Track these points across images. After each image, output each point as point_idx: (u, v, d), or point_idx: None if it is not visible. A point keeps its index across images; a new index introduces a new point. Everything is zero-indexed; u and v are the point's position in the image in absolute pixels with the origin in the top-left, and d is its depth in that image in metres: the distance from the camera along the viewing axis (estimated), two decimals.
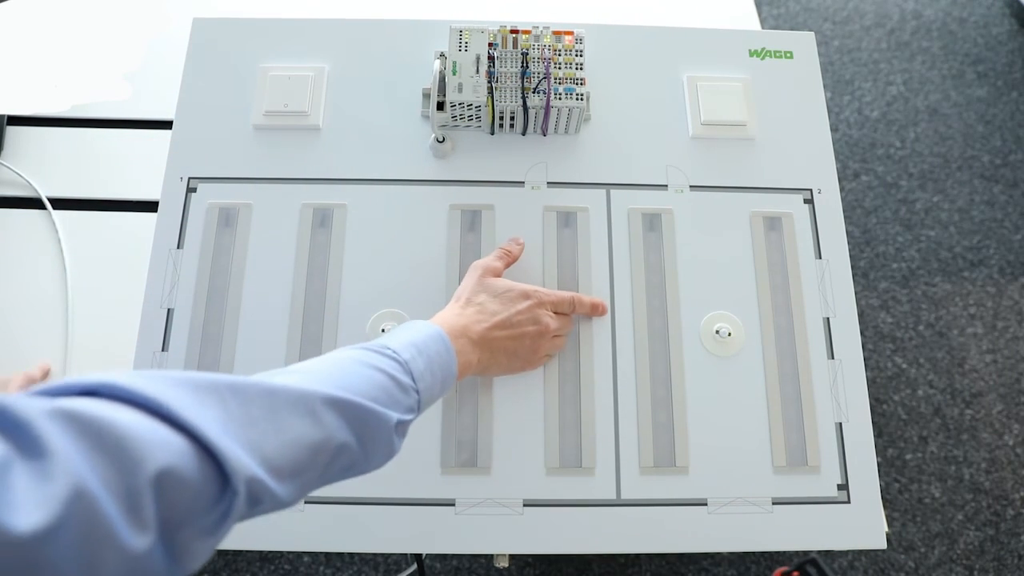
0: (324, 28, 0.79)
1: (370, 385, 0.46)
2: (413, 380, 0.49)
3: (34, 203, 0.89)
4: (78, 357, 0.76)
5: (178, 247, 0.69)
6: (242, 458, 0.34)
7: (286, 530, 0.62)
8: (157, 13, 1.07)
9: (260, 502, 0.36)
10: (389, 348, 0.50)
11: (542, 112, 0.70)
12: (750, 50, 0.79)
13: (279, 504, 0.38)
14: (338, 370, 0.45)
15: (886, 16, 2.09)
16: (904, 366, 1.59)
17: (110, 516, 0.28)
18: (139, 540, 0.29)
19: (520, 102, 0.69)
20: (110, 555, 0.28)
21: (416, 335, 0.53)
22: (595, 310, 0.67)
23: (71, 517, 0.27)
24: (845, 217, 0.74)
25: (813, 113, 0.77)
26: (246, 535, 0.62)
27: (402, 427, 0.47)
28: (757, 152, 0.75)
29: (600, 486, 0.64)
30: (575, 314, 0.67)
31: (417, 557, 0.91)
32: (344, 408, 0.42)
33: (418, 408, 0.50)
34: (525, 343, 0.61)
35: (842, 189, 1.77)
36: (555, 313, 0.64)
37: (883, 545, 0.63)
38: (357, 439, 0.43)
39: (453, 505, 0.63)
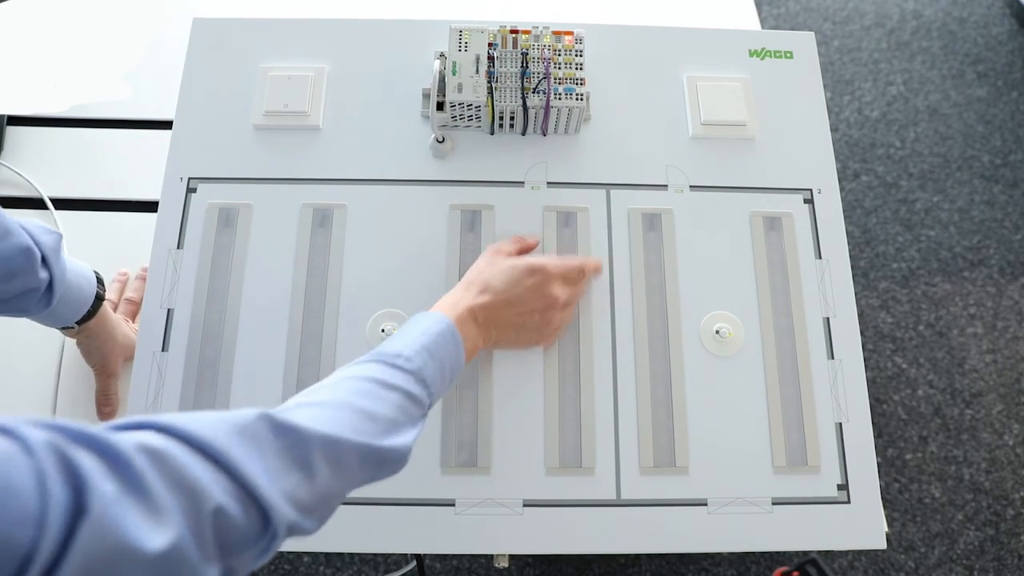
0: (324, 28, 0.79)
1: (389, 409, 0.49)
2: (427, 386, 0.52)
3: (35, 203, 0.89)
4: (78, 356, 0.76)
5: (178, 247, 0.69)
6: (282, 506, 0.39)
7: None
8: (157, 13, 1.07)
9: (296, 534, 0.41)
10: (402, 357, 0.52)
11: (542, 112, 0.70)
12: (750, 50, 0.79)
13: (309, 533, 0.43)
14: (359, 400, 0.48)
15: (886, 16, 2.09)
16: (904, 366, 1.59)
17: (191, 551, 0.33)
18: (210, 570, 0.34)
19: (520, 102, 0.69)
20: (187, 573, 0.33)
21: (426, 336, 0.54)
22: (599, 271, 0.69)
23: (174, 549, 0.32)
24: (845, 217, 0.74)
25: (813, 113, 0.77)
26: None
27: (412, 442, 0.51)
28: (757, 152, 0.75)
29: (600, 486, 0.64)
30: (587, 279, 0.67)
31: (417, 557, 0.91)
32: (369, 454, 0.46)
33: (427, 412, 0.53)
34: (534, 318, 0.62)
35: (842, 189, 1.77)
36: (565, 283, 0.64)
37: (883, 545, 0.63)
38: (378, 471, 0.48)
39: (453, 505, 0.63)
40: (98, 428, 0.33)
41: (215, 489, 0.35)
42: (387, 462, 0.48)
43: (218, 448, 0.37)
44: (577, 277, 0.65)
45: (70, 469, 0.30)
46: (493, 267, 0.62)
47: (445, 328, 0.55)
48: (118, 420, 0.37)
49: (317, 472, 0.42)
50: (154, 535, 0.31)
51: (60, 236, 0.64)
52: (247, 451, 0.39)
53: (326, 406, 0.47)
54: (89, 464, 0.30)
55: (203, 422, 0.38)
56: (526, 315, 0.62)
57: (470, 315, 0.59)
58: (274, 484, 0.39)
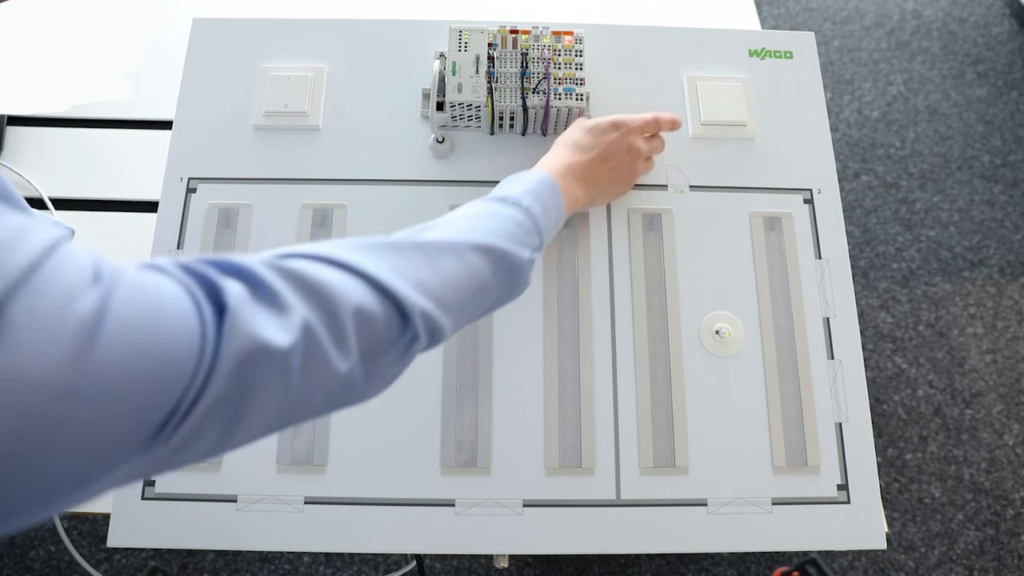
0: (324, 28, 0.79)
1: (504, 227, 0.52)
2: (536, 224, 0.55)
3: (35, 203, 0.89)
4: None
5: (178, 247, 0.69)
6: (413, 295, 0.41)
7: (286, 530, 0.62)
8: (157, 13, 1.07)
9: (434, 333, 0.43)
10: (509, 198, 0.55)
11: (542, 112, 0.70)
12: (750, 50, 0.79)
13: (446, 334, 0.45)
14: (474, 219, 0.51)
15: (886, 16, 2.09)
16: (904, 366, 1.59)
17: (325, 344, 0.36)
18: (344, 364, 0.37)
19: (520, 102, 0.69)
20: (324, 375, 0.36)
21: (528, 184, 0.57)
22: (673, 125, 0.70)
23: (302, 341, 0.35)
24: (845, 217, 0.74)
25: (813, 113, 0.77)
26: (246, 535, 0.62)
27: (531, 263, 0.53)
28: (757, 152, 0.75)
29: (600, 486, 0.64)
30: (660, 133, 0.71)
31: (417, 557, 0.91)
32: (486, 251, 0.49)
33: (541, 247, 0.55)
34: (623, 169, 0.67)
35: (842, 189, 1.78)
36: (644, 136, 0.68)
37: (883, 545, 0.63)
38: (499, 276, 0.50)
39: (453, 505, 0.63)
40: (222, 255, 0.36)
41: (351, 292, 0.38)
42: (508, 261, 0.50)
43: (340, 256, 0.40)
44: (654, 129, 0.69)
45: (206, 283, 0.33)
46: (579, 130, 0.66)
47: (543, 179, 0.59)
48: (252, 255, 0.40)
49: (440, 266, 0.45)
50: (283, 333, 0.34)
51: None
52: (368, 255, 0.42)
53: (437, 227, 0.49)
54: (221, 278, 0.33)
55: (325, 244, 0.41)
56: (616, 168, 0.66)
57: (568, 171, 0.62)
58: (401, 277, 0.42)
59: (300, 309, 0.35)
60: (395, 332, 0.41)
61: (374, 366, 0.40)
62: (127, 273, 0.30)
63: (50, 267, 0.26)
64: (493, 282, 0.49)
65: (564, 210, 0.60)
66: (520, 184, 0.57)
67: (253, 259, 0.36)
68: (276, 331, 0.34)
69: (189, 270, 0.33)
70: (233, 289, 0.33)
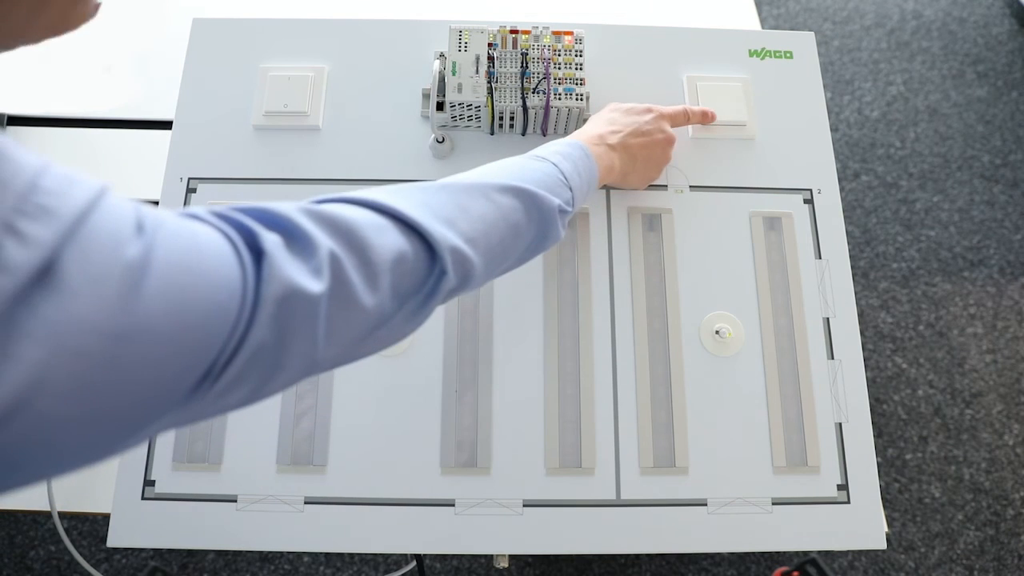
0: (324, 28, 0.79)
1: (532, 176, 0.52)
2: (566, 179, 0.55)
3: None
4: None
5: None
6: (442, 230, 0.42)
7: (286, 530, 0.62)
8: (157, 13, 1.07)
9: (464, 271, 0.44)
10: (537, 156, 0.56)
11: (542, 112, 0.70)
12: (750, 50, 0.79)
13: (476, 274, 0.45)
14: (501, 168, 0.52)
15: (886, 16, 2.09)
16: (904, 366, 1.59)
17: (354, 280, 0.37)
18: (372, 299, 0.38)
19: (520, 102, 0.69)
20: (355, 311, 0.37)
21: (557, 146, 0.58)
22: (704, 117, 0.73)
23: (331, 279, 0.36)
24: (845, 217, 0.74)
25: (813, 113, 0.77)
26: (246, 535, 0.62)
27: (563, 216, 0.53)
28: (757, 152, 0.75)
29: (600, 486, 0.64)
30: (689, 123, 0.73)
31: (417, 557, 0.91)
32: (515, 192, 0.49)
33: (572, 204, 0.55)
34: (657, 150, 0.67)
35: (842, 189, 1.78)
36: (673, 124, 0.70)
37: (883, 545, 0.63)
38: (529, 218, 0.50)
39: (453, 505, 0.63)
40: (254, 203, 0.37)
41: (368, 224, 0.39)
42: (537, 204, 0.50)
43: (368, 198, 0.41)
44: (684, 121, 0.71)
45: (243, 230, 0.34)
46: (613, 111, 0.68)
47: (574, 142, 0.59)
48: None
49: (468, 205, 0.45)
50: (315, 276, 0.35)
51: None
52: (397, 196, 0.43)
53: (463, 175, 0.50)
54: (256, 225, 0.34)
55: (356, 192, 0.42)
56: (651, 147, 0.67)
57: (600, 139, 0.63)
58: (430, 215, 0.42)
59: (327, 246, 0.36)
60: (424, 268, 0.41)
61: (405, 303, 0.41)
62: (167, 222, 0.30)
63: (97, 216, 0.27)
64: (524, 224, 0.49)
65: (596, 173, 0.60)
66: (550, 147, 0.58)
67: (287, 206, 0.37)
68: (309, 274, 0.35)
69: (225, 218, 0.34)
70: (268, 235, 0.34)
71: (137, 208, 0.30)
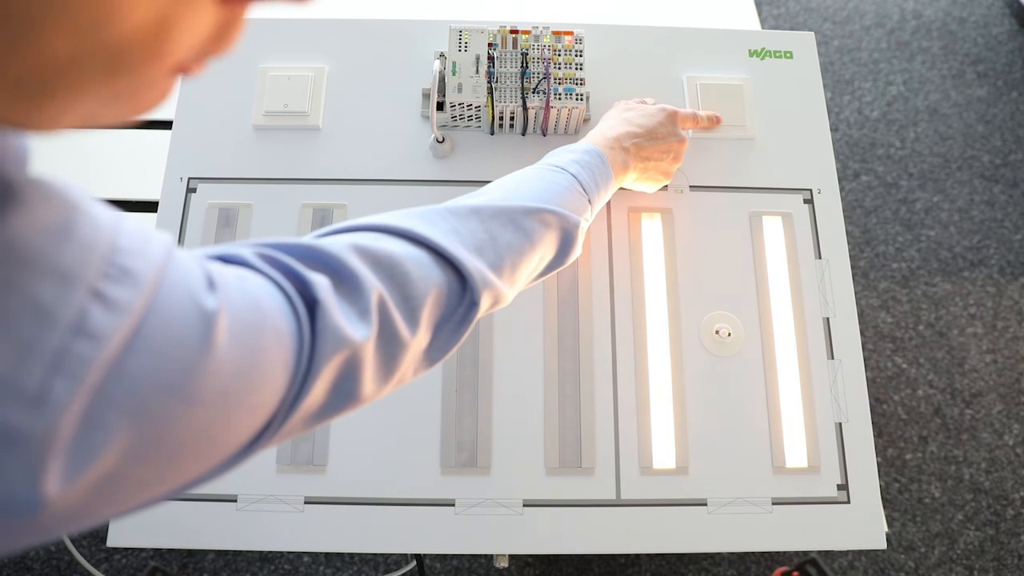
0: (324, 28, 0.79)
1: (555, 192, 0.52)
2: (585, 191, 0.55)
3: None
4: None
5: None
6: (475, 263, 0.43)
7: (286, 530, 0.62)
8: None
9: (493, 300, 0.45)
10: (556, 166, 0.56)
11: (542, 112, 0.70)
12: (750, 50, 0.79)
13: (504, 301, 0.46)
14: (525, 183, 0.53)
15: (886, 16, 2.09)
16: (904, 366, 1.59)
17: (396, 319, 0.38)
18: (410, 334, 0.39)
19: (520, 102, 0.69)
20: (396, 348, 0.38)
21: (573, 154, 0.58)
22: (711, 122, 0.73)
23: (377, 321, 0.36)
24: (845, 217, 0.74)
25: (813, 113, 0.77)
26: (246, 535, 0.62)
27: (583, 230, 0.54)
28: (757, 152, 0.75)
29: (600, 486, 0.64)
30: (696, 128, 0.73)
31: (417, 557, 0.91)
32: (540, 215, 0.50)
33: (591, 216, 0.56)
34: (671, 152, 0.67)
35: (842, 189, 1.78)
36: (684, 127, 0.70)
37: (883, 545, 0.63)
38: (553, 241, 0.51)
39: (453, 505, 0.63)
40: (303, 238, 0.37)
41: (407, 258, 0.40)
42: (565, 232, 0.51)
43: (402, 225, 0.42)
44: (693, 124, 0.71)
45: (294, 277, 0.33)
46: (630, 111, 0.67)
47: (589, 149, 0.59)
48: (336, 225, 0.42)
49: (496, 233, 0.46)
50: (363, 323, 0.35)
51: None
52: (428, 223, 0.43)
53: (490, 192, 0.51)
54: (306, 271, 0.34)
55: (397, 217, 0.43)
56: (666, 151, 0.66)
57: (616, 142, 0.63)
58: (460, 243, 0.43)
59: (374, 286, 0.37)
60: (456, 298, 0.42)
61: (438, 334, 0.42)
62: (228, 277, 0.30)
63: (172, 275, 0.27)
64: (549, 248, 0.50)
65: (612, 180, 0.60)
66: (567, 154, 0.58)
67: (331, 245, 0.37)
68: (358, 318, 0.35)
69: (274, 262, 0.34)
70: (320, 282, 0.34)
71: (201, 261, 0.29)
